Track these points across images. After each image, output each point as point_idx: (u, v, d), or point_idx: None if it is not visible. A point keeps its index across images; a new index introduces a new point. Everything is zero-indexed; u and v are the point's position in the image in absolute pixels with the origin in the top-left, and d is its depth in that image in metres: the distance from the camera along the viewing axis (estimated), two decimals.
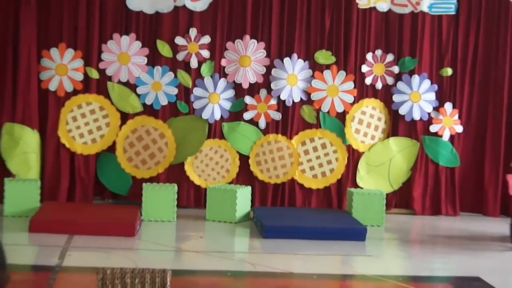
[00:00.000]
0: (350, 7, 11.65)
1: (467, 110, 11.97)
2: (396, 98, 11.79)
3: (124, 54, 11.32)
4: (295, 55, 11.56)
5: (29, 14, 10.97)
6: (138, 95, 11.38)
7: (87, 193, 11.32)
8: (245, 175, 11.55)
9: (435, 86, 11.83)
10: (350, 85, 11.69)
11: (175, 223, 10.41)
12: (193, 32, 11.39)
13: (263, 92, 11.55)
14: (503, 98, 11.87)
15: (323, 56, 11.66)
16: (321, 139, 11.70)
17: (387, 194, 11.23)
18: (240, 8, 11.51)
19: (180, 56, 11.40)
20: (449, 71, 11.87)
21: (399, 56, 11.82)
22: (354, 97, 11.72)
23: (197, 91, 11.45)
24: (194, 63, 11.42)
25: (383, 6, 11.72)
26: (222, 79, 11.48)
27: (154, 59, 11.41)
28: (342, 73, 11.66)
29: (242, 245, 9.98)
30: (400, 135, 11.87)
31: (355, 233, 9.72)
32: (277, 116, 11.59)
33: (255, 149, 11.58)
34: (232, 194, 10.55)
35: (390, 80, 11.79)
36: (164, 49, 11.38)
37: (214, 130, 11.52)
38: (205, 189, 11.08)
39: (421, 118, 11.81)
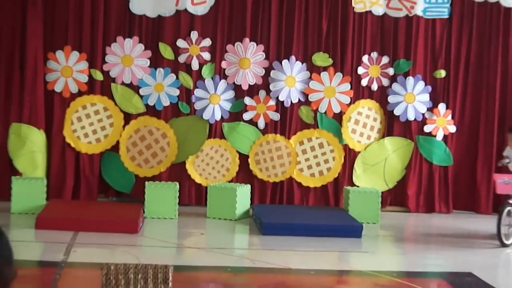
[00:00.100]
0: (346, 11, 11.65)
1: (460, 111, 11.97)
2: (391, 99, 11.80)
3: (127, 57, 11.32)
4: (293, 57, 11.57)
5: (35, 18, 10.98)
6: (141, 96, 11.39)
7: (92, 191, 11.33)
8: (244, 174, 11.56)
9: (429, 88, 11.84)
10: (346, 86, 11.70)
11: (177, 221, 10.40)
12: (194, 35, 11.40)
13: (262, 93, 11.56)
14: (495, 99, 11.88)
15: (321, 58, 11.67)
16: (319, 139, 11.71)
17: (382, 192, 11.22)
18: (239, 12, 11.52)
19: (182, 58, 11.41)
20: (442, 73, 11.87)
21: (394, 58, 11.82)
22: (351, 98, 11.73)
23: (198, 92, 11.46)
24: (195, 65, 11.42)
25: (378, 10, 11.73)
26: (223, 80, 11.48)
27: (156, 61, 11.42)
28: (339, 75, 11.67)
29: (242, 242, 9.99)
30: (395, 135, 11.87)
31: (352, 230, 9.72)
32: (276, 116, 11.60)
33: (255, 148, 11.58)
34: (232, 192, 10.56)
35: (385, 82, 11.80)
36: (166, 51, 11.39)
37: (215, 130, 11.53)
38: (206, 187, 11.08)
39: (415, 119, 11.81)
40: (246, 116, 11.55)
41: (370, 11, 11.72)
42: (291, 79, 11.57)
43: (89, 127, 11.31)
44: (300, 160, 11.66)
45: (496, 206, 11.51)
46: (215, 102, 11.43)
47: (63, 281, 7.22)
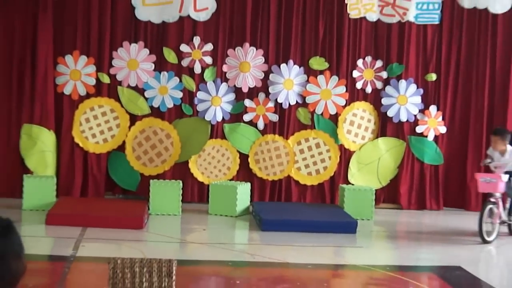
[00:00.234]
0: (342, 17, 11.67)
1: (451, 112, 11.98)
2: (384, 101, 11.82)
3: (133, 61, 11.35)
4: (291, 61, 11.59)
5: (46, 25, 11.00)
6: (146, 99, 11.41)
7: (99, 189, 11.35)
8: (245, 172, 11.56)
9: (421, 90, 11.85)
10: (342, 89, 11.72)
11: (180, 217, 10.42)
12: (196, 40, 11.42)
13: (261, 96, 11.58)
14: (483, 102, 11.88)
15: (317, 62, 11.68)
16: (315, 139, 11.73)
17: (376, 190, 11.24)
18: (240, 18, 11.54)
19: (185, 62, 11.43)
20: (433, 76, 11.89)
21: (387, 62, 11.83)
22: (346, 100, 11.74)
23: (200, 95, 11.48)
24: (197, 69, 11.44)
25: (372, 16, 11.75)
26: (224, 83, 11.50)
27: (161, 65, 11.43)
28: (335, 78, 11.69)
29: (242, 237, 10.00)
30: (388, 135, 11.89)
31: (347, 226, 9.73)
32: (275, 117, 11.62)
33: (254, 148, 11.60)
34: (233, 190, 10.58)
35: (379, 85, 11.81)
36: (170, 56, 11.41)
37: (216, 131, 11.55)
38: (208, 185, 11.09)
39: (407, 120, 11.83)
40: (246, 117, 11.56)
41: (365, 18, 11.74)
42: (289, 82, 11.59)
43: (96, 128, 11.33)
44: (297, 160, 11.68)
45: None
46: (216, 104, 11.45)
47: (72, 274, 7.24)
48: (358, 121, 11.80)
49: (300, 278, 7.43)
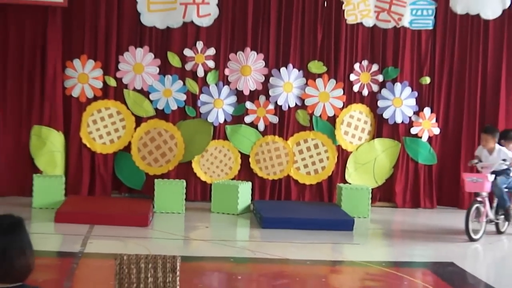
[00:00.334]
0: (339, 23, 11.68)
1: (444, 114, 12.00)
2: (380, 103, 11.84)
3: (138, 65, 11.36)
4: (290, 65, 11.61)
5: (55, 30, 11.00)
6: (151, 101, 11.43)
7: (106, 188, 11.36)
8: (246, 172, 11.58)
9: (415, 93, 11.87)
10: (339, 92, 11.74)
11: (184, 215, 10.41)
12: (200, 45, 11.44)
13: (262, 98, 11.59)
14: (476, 104, 11.91)
15: (316, 66, 11.70)
16: (314, 140, 11.74)
17: (372, 189, 11.26)
18: (241, 23, 11.55)
19: (188, 66, 11.45)
20: (427, 80, 11.90)
21: (383, 66, 11.85)
22: (343, 102, 11.76)
23: (203, 97, 11.49)
24: (200, 72, 11.46)
25: (369, 22, 11.77)
26: (226, 86, 11.52)
27: (165, 68, 11.44)
28: (333, 81, 11.71)
29: (243, 234, 9.99)
30: (384, 136, 11.90)
31: (344, 224, 9.74)
32: (275, 119, 11.63)
33: (255, 149, 11.62)
34: (235, 189, 10.59)
35: (375, 88, 11.83)
36: (174, 60, 11.43)
37: (219, 132, 11.56)
38: (210, 185, 11.10)
39: (402, 121, 11.85)
40: (247, 119, 11.58)
41: (361, 23, 11.75)
42: (288, 85, 11.60)
43: (103, 129, 11.35)
44: (297, 160, 11.70)
45: None
46: (219, 106, 11.47)
47: (80, 270, 7.24)
48: (355, 122, 11.82)
49: (299, 273, 7.44)
